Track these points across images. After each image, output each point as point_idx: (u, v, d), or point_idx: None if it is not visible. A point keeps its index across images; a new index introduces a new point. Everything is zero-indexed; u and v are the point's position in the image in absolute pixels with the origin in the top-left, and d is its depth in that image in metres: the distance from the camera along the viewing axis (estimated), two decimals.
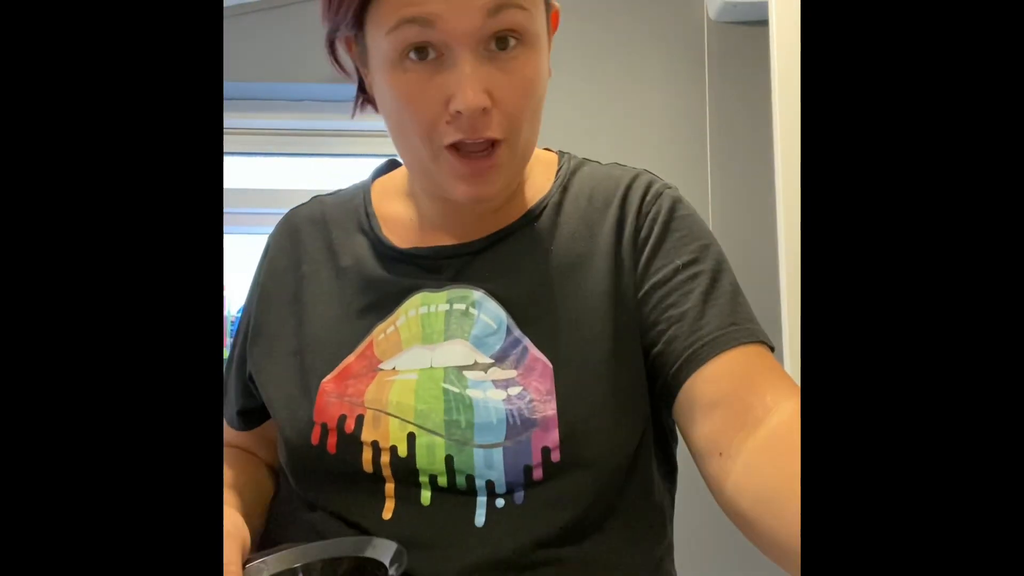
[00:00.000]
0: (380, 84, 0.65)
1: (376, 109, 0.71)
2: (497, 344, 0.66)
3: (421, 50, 0.61)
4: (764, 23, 1.76)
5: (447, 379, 0.64)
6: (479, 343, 0.66)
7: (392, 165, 0.83)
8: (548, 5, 0.67)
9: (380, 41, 0.62)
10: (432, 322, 0.67)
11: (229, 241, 1.98)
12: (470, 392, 0.63)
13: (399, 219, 0.76)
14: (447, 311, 0.68)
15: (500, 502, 0.62)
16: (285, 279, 0.76)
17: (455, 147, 0.63)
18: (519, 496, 0.62)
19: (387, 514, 0.63)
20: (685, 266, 0.67)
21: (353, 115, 0.74)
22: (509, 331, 0.66)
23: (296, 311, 0.73)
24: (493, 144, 0.63)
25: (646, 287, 0.68)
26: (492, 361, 0.65)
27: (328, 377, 0.67)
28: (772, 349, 0.65)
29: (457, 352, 0.66)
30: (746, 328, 0.65)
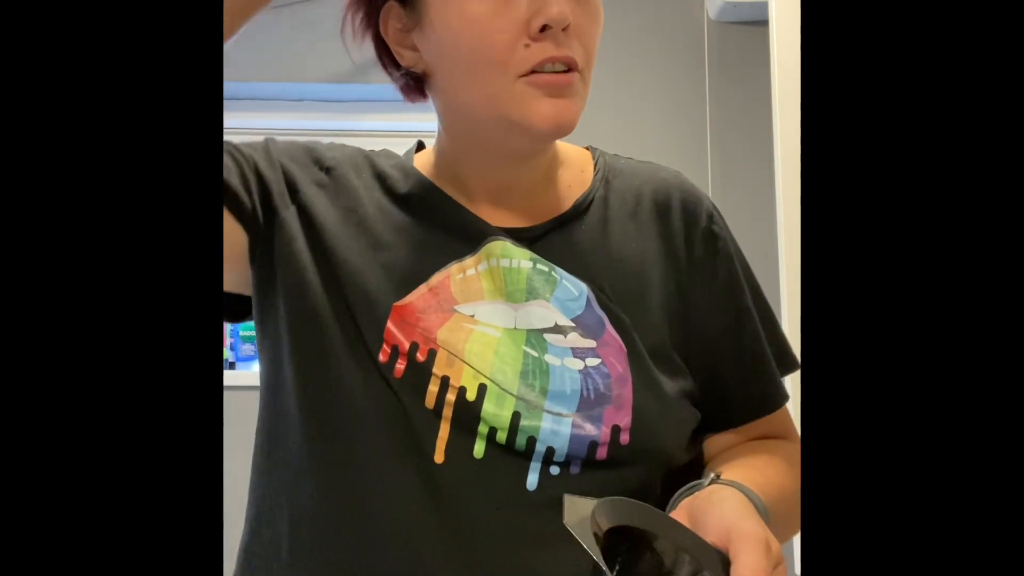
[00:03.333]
0: (450, 18, 0.63)
1: (422, 94, 0.70)
2: (578, 310, 0.66)
3: None
4: (764, 23, 1.76)
5: (528, 342, 0.64)
6: (561, 306, 0.66)
7: (420, 146, 0.78)
8: None
9: None
10: (515, 278, 0.66)
11: None
12: (548, 358, 0.64)
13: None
14: (530, 269, 0.67)
15: (555, 470, 0.61)
16: (306, 171, 0.70)
17: (531, 74, 0.62)
18: (575, 468, 0.61)
19: (439, 457, 0.60)
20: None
21: (406, 98, 0.72)
22: (589, 302, 0.66)
23: (341, 217, 0.68)
24: (569, 70, 0.62)
25: (697, 330, 0.70)
26: (573, 324, 0.65)
27: (402, 301, 0.64)
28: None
29: (539, 314, 0.65)
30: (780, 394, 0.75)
